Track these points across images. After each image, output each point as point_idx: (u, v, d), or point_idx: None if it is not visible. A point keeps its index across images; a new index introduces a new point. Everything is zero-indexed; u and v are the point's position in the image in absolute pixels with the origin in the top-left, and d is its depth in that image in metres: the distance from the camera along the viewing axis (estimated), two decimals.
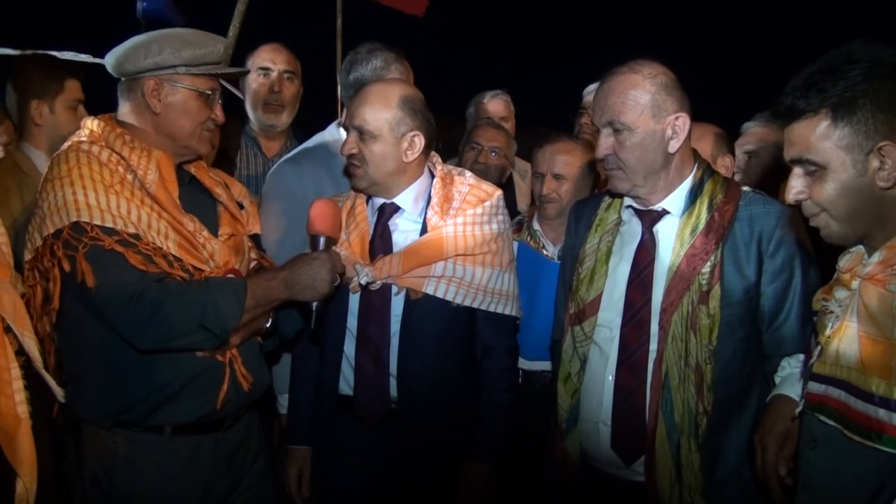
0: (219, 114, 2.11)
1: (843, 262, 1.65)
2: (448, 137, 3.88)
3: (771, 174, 3.04)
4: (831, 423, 1.56)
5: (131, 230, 1.91)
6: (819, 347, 1.63)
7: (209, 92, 2.08)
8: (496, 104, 4.28)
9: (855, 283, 1.58)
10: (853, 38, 1.55)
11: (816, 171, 1.54)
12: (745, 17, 6.32)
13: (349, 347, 2.30)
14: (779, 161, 3.02)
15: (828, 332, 1.61)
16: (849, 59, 1.50)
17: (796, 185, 1.58)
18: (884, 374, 1.46)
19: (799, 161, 1.56)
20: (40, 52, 3.15)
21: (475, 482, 2.29)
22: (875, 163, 1.49)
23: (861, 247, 1.62)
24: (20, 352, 1.78)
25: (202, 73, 2.06)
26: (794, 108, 1.54)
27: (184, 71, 2.03)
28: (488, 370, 2.35)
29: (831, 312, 1.62)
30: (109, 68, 2.09)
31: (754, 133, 3.16)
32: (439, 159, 2.41)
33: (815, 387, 1.62)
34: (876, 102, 1.48)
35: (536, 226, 2.90)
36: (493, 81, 4.67)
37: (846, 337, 1.55)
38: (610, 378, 2.05)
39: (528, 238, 2.87)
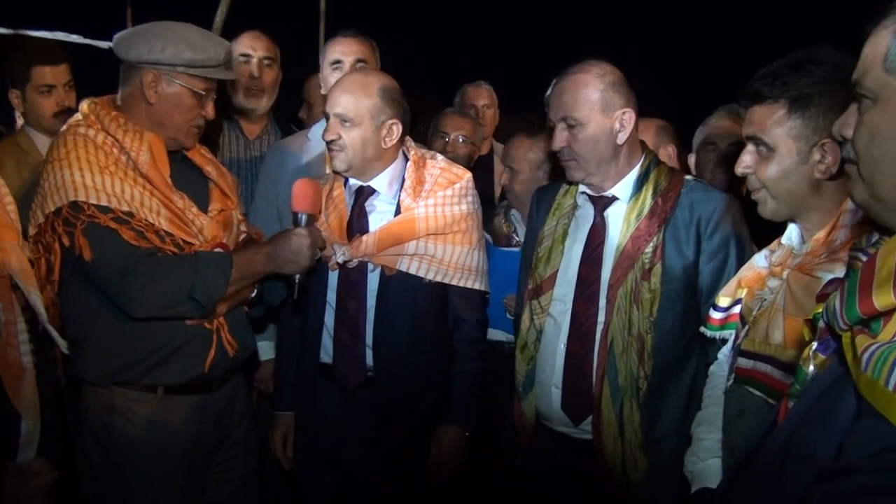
0: (209, 111, 2.25)
1: (775, 257, 1.85)
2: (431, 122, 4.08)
3: (727, 163, 3.25)
4: (758, 393, 1.75)
5: (125, 208, 2.07)
6: (746, 327, 1.84)
7: (203, 92, 2.22)
8: (479, 93, 4.51)
9: (785, 274, 1.78)
10: (818, 41, 1.75)
11: (765, 151, 1.74)
12: (721, 18, 6.55)
13: (329, 320, 2.47)
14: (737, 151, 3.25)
15: (755, 312, 1.81)
16: (813, 60, 1.70)
17: (746, 160, 1.79)
18: (798, 347, 1.62)
19: (752, 139, 1.77)
20: (30, 32, 3.27)
21: (447, 444, 2.49)
22: (816, 156, 1.70)
23: (793, 241, 1.82)
24: (27, 308, 1.96)
25: (199, 76, 2.20)
26: (759, 93, 1.74)
27: (182, 70, 2.17)
28: (459, 341, 2.54)
29: (762, 298, 1.82)
30: (114, 48, 2.21)
31: (716, 125, 3.36)
32: (413, 144, 2.57)
33: (744, 362, 1.81)
34: (829, 103, 1.67)
35: (514, 212, 3.12)
36: (475, 66, 4.86)
37: (774, 319, 1.75)
38: (562, 346, 2.26)
39: (504, 222, 3.08)
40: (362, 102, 2.37)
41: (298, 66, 3.77)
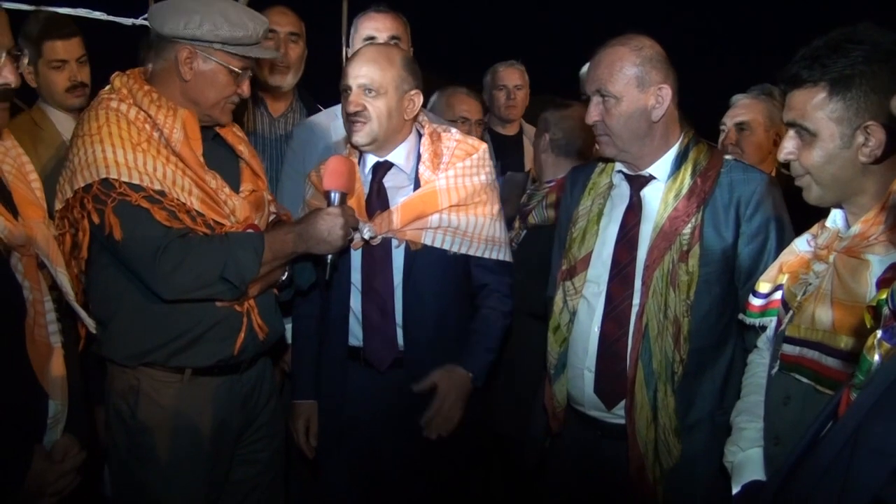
0: (245, 89, 2.20)
1: (821, 240, 1.80)
2: None
3: (760, 145, 3.18)
4: (805, 380, 1.70)
5: (157, 187, 2.03)
6: (791, 313, 1.79)
7: (239, 70, 2.17)
8: (511, 73, 4.47)
9: (832, 258, 1.73)
10: (858, 18, 1.68)
11: (807, 136, 1.69)
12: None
13: (355, 301, 2.44)
14: (768, 131, 3.18)
15: (799, 298, 1.76)
16: (853, 40, 1.64)
17: (788, 146, 1.74)
18: (851, 333, 1.61)
19: (794, 125, 1.72)
20: (49, 8, 3.23)
21: (454, 385, 2.38)
22: (860, 138, 1.64)
23: (838, 224, 1.77)
24: (53, 287, 1.94)
25: (237, 54, 2.14)
26: (798, 76, 1.69)
27: (219, 47, 2.11)
28: (486, 296, 2.49)
29: (807, 283, 1.77)
30: (149, 21, 2.16)
31: (744, 105, 3.29)
32: (425, 118, 2.53)
33: (789, 348, 1.76)
34: (870, 84, 1.62)
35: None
36: (502, 46, 4.81)
37: (821, 304, 1.70)
38: (595, 329, 2.21)
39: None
40: (387, 72, 2.34)
41: (322, 43, 3.71)
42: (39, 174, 2.31)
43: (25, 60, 1.92)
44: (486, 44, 5.61)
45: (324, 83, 3.95)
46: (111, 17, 2.75)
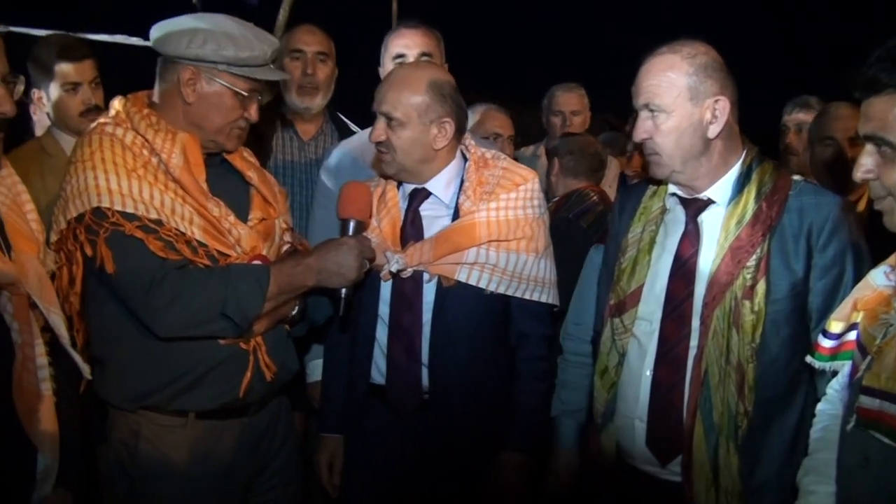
0: (252, 113, 2.06)
1: None
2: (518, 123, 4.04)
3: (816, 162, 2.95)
4: (888, 441, 1.45)
5: (153, 215, 1.89)
6: (869, 358, 1.53)
7: (246, 93, 2.02)
8: (569, 98, 4.37)
9: None
10: None
11: (890, 151, 1.43)
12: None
13: (381, 335, 2.27)
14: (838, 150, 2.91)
15: (879, 341, 1.51)
16: None
17: (866, 164, 1.47)
18: None
19: (873, 137, 1.45)
20: (61, 33, 3.15)
21: (507, 472, 2.25)
22: None
23: None
24: (46, 328, 1.79)
25: (242, 75, 2.01)
26: (877, 80, 1.43)
27: (224, 69, 1.98)
28: (523, 358, 2.30)
29: (887, 324, 1.51)
30: (151, 41, 2.05)
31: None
32: (472, 142, 2.34)
33: (867, 401, 1.50)
34: None
35: None
36: (557, 65, 4.69)
37: None
38: (647, 373, 1.97)
39: None
40: (409, 100, 2.15)
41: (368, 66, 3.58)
42: (47, 205, 2.19)
43: (21, 87, 1.79)
44: (544, 60, 5.46)
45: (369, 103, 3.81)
46: (127, 40, 2.62)
